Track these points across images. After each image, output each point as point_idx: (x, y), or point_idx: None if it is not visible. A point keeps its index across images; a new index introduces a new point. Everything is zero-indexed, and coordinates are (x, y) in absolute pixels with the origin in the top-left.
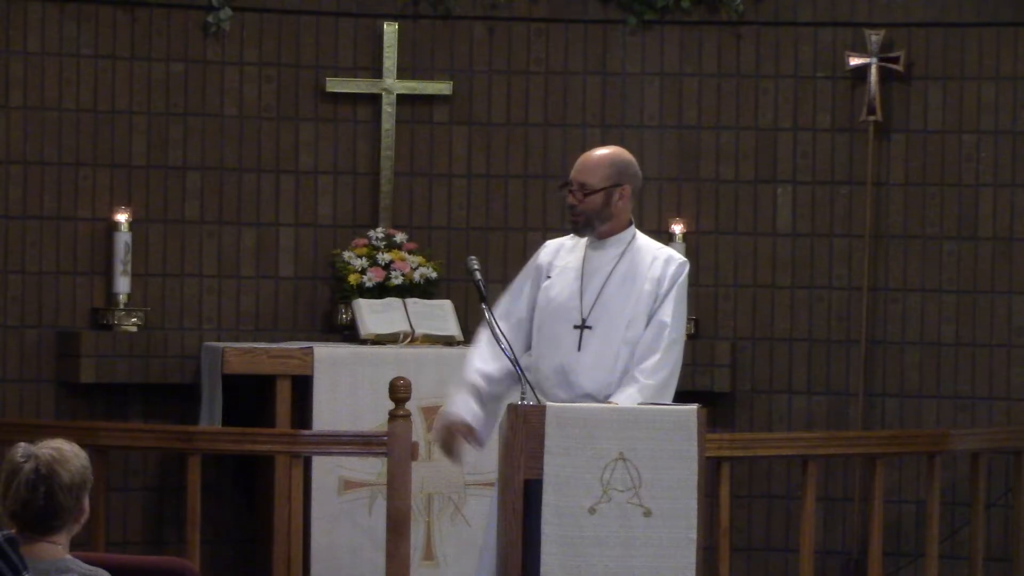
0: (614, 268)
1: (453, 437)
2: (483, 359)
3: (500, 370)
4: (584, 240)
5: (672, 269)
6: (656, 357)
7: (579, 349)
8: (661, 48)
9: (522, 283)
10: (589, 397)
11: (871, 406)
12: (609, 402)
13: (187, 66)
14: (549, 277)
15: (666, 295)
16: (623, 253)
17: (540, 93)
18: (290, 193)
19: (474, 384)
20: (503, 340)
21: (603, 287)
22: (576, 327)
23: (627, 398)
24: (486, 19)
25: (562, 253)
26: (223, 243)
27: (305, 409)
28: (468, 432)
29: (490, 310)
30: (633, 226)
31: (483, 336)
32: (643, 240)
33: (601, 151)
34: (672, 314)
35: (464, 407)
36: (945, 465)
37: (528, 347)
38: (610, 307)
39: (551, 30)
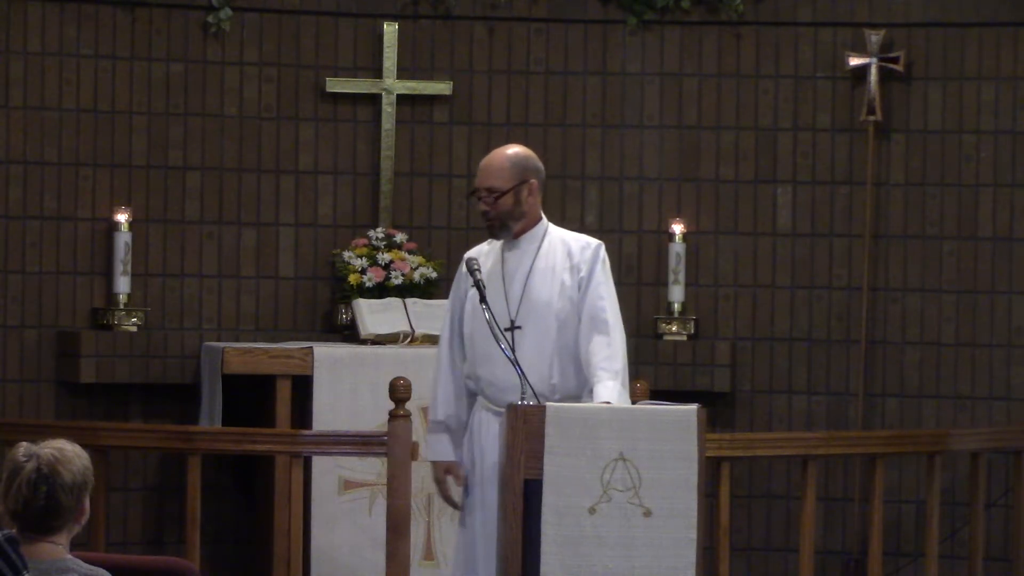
0: (532, 265)
1: (446, 482)
2: (446, 396)
3: (460, 402)
4: (499, 244)
5: (588, 253)
6: (607, 340)
7: (513, 351)
8: (661, 48)
9: (451, 304)
10: (536, 395)
11: (871, 406)
12: (604, 402)
13: (187, 66)
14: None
15: (590, 278)
16: (539, 248)
17: (540, 93)
18: (290, 193)
19: (445, 423)
20: (503, 341)
21: (525, 285)
22: (506, 330)
23: (610, 391)
24: (486, 19)
25: (482, 259)
26: (223, 243)
27: (305, 409)
28: (454, 469)
29: (490, 310)
30: (544, 219)
31: (442, 362)
32: (556, 232)
33: (500, 152)
34: (605, 295)
35: (442, 449)
36: (945, 465)
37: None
38: (536, 304)
39: (551, 30)
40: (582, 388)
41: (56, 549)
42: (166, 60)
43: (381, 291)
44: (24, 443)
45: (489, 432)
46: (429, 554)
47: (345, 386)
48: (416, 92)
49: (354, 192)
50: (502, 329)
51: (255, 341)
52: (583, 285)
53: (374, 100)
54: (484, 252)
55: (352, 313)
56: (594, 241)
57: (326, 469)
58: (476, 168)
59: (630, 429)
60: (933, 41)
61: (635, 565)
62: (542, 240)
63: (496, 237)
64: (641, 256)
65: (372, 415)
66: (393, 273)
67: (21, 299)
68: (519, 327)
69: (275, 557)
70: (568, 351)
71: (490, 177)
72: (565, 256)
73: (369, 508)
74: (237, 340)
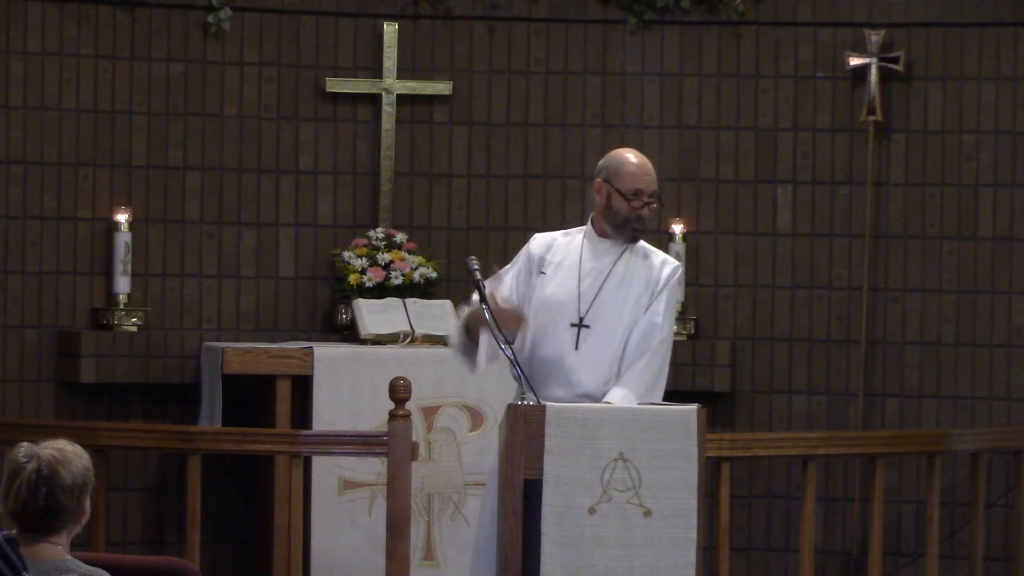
0: (612, 268)
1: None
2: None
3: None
4: (579, 237)
5: (667, 271)
6: (647, 356)
7: (576, 348)
8: (661, 48)
9: (513, 269)
10: (587, 396)
11: (871, 406)
12: (604, 402)
13: (187, 66)
14: (543, 272)
15: (659, 294)
16: (622, 254)
17: (540, 93)
18: (290, 193)
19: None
20: (502, 341)
21: (601, 287)
22: (573, 325)
23: (619, 398)
24: (486, 19)
25: (555, 248)
26: (223, 243)
27: (305, 409)
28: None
29: (491, 310)
30: None
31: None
32: (641, 243)
33: (641, 155)
34: (663, 313)
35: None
36: (945, 465)
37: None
38: (608, 308)
39: (551, 30)
40: None
41: (56, 550)
42: (166, 60)
43: (381, 291)
44: (24, 443)
45: None
46: (429, 554)
47: (345, 386)
48: (416, 92)
49: (354, 192)
50: (568, 324)
51: (255, 341)
52: (651, 297)
53: (374, 100)
54: (561, 242)
55: (352, 313)
56: (675, 261)
57: (326, 469)
58: (476, 168)
59: (630, 429)
60: (933, 41)
61: (635, 565)
62: (627, 247)
63: (636, 240)
64: None
65: (372, 415)
66: (393, 273)
67: (21, 299)
68: (587, 326)
69: (275, 557)
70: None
71: (654, 181)
72: (646, 268)
73: (369, 508)
74: (237, 340)
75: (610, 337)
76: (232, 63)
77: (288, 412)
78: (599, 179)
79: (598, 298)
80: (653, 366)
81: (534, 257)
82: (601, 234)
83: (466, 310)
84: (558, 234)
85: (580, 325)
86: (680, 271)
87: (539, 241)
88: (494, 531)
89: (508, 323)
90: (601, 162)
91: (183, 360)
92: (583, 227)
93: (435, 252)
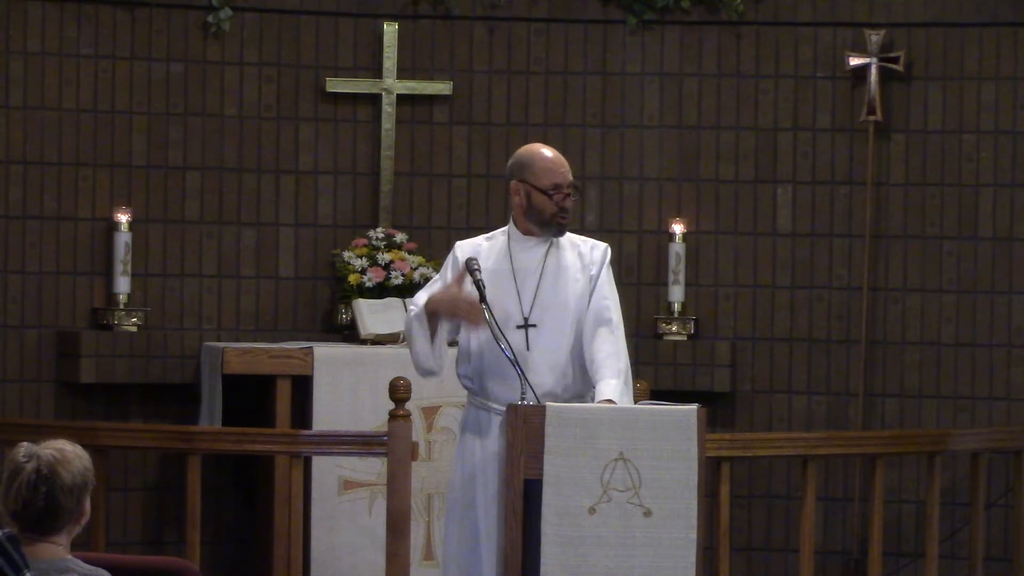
0: (544, 263)
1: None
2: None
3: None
4: (503, 239)
5: (598, 254)
6: (611, 338)
7: (528, 348)
8: (661, 48)
9: (446, 276)
10: (549, 395)
11: (871, 406)
12: (606, 400)
13: (187, 66)
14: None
15: (597, 277)
16: (549, 248)
17: (540, 93)
18: (290, 193)
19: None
20: (503, 340)
21: (539, 284)
22: (519, 327)
23: (613, 388)
24: (486, 19)
25: (482, 253)
26: (223, 243)
27: (305, 409)
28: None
29: (490, 310)
30: None
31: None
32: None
33: (554, 149)
34: (609, 295)
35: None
36: (945, 465)
37: (454, 335)
38: (551, 302)
39: (551, 30)
40: (588, 388)
41: (56, 549)
42: (166, 60)
43: (381, 291)
44: (25, 443)
45: (491, 430)
46: (429, 554)
47: (345, 386)
48: (416, 92)
49: (354, 192)
50: (501, 329)
51: (255, 341)
52: (591, 284)
53: (374, 100)
54: (485, 247)
55: (352, 313)
56: (602, 244)
57: (326, 469)
58: (476, 168)
59: (630, 429)
60: (933, 41)
61: (635, 565)
62: (552, 241)
63: (563, 233)
64: (641, 256)
65: (372, 415)
66: (393, 273)
67: (21, 299)
68: (533, 325)
69: (275, 557)
70: (580, 351)
71: (569, 172)
72: (576, 256)
73: (369, 508)
74: (237, 340)
75: (560, 332)
76: (232, 63)
77: (288, 412)
78: (514, 180)
79: (539, 295)
80: (621, 345)
81: (463, 263)
82: (526, 233)
83: (421, 299)
84: (480, 239)
85: (527, 325)
86: (609, 251)
87: (464, 248)
88: (462, 553)
89: (471, 312)
90: (511, 162)
91: (183, 360)
92: (504, 228)
93: (435, 252)
